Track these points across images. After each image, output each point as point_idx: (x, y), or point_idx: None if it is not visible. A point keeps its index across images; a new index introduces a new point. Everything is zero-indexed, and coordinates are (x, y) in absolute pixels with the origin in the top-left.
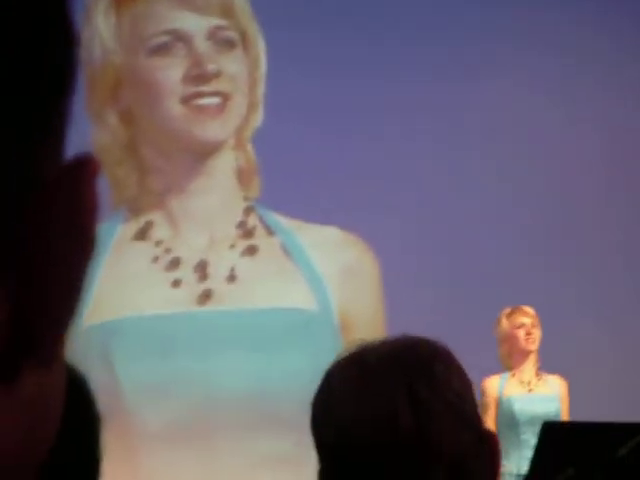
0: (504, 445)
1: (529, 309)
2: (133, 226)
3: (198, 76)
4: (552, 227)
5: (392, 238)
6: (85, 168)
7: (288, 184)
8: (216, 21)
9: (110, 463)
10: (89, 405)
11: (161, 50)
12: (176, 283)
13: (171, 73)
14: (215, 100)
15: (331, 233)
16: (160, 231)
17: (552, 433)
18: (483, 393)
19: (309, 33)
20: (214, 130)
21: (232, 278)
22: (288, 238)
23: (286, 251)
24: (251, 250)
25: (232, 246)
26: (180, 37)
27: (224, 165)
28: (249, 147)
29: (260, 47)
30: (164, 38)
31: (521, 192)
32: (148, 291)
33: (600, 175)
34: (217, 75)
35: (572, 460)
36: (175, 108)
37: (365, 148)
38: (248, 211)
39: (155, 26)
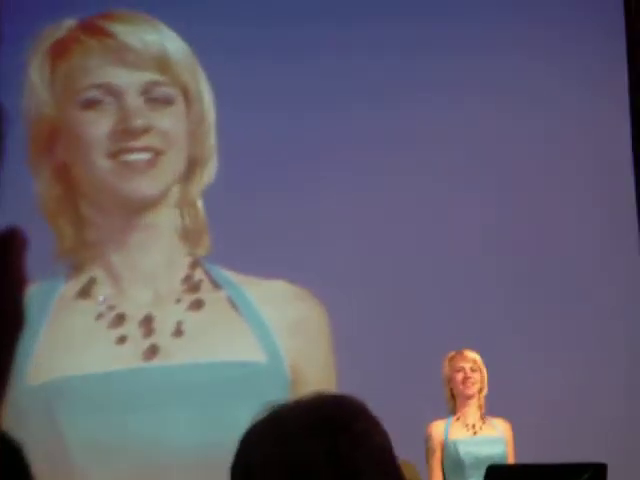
0: None
1: (470, 353)
2: (75, 284)
3: (125, 131)
4: (504, 272)
5: (343, 293)
6: (12, 241)
7: (238, 239)
8: (150, 76)
9: None
10: (24, 472)
11: (91, 104)
12: (121, 340)
13: (99, 127)
14: (144, 156)
15: (280, 287)
16: (103, 288)
17: (497, 476)
18: (429, 438)
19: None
20: (143, 186)
21: (178, 333)
22: (235, 292)
23: (233, 305)
24: (197, 304)
25: (178, 300)
26: (111, 91)
27: (165, 220)
28: (198, 204)
29: (205, 101)
30: (94, 92)
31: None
32: (93, 349)
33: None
34: (146, 130)
35: None
36: (102, 163)
37: (322, 198)
38: (194, 265)
39: (87, 79)
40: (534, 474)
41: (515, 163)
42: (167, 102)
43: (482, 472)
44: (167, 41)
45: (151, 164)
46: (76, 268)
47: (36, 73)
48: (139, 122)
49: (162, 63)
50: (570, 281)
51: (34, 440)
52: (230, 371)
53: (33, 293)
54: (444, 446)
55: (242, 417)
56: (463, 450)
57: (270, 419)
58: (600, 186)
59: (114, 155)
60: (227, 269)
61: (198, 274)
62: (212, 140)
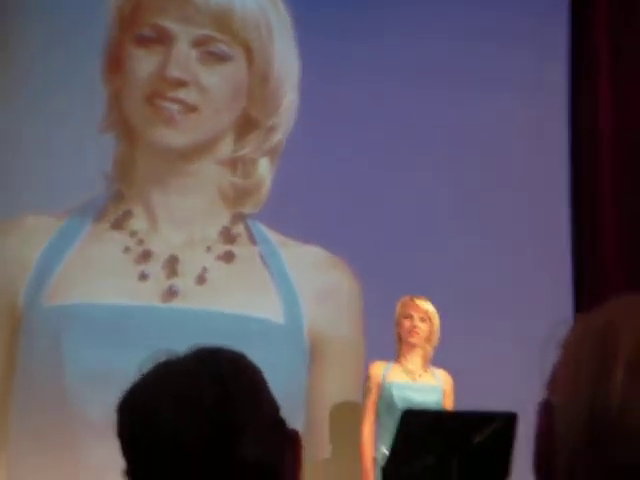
0: (381, 429)
1: (423, 304)
2: (111, 214)
3: (162, 78)
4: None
5: (380, 264)
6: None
7: (290, 202)
8: (207, 31)
9: (51, 447)
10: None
11: (144, 42)
12: (143, 276)
13: (143, 68)
14: (174, 107)
15: (315, 253)
16: (137, 223)
17: (411, 420)
18: (367, 377)
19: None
20: (167, 136)
21: (202, 279)
22: (270, 250)
23: (265, 262)
24: (228, 256)
25: (208, 248)
26: (164, 35)
27: (210, 172)
28: (258, 163)
29: (276, 61)
30: (150, 31)
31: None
32: (113, 280)
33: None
34: (182, 84)
35: (430, 447)
36: (137, 105)
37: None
38: (235, 219)
39: (148, 17)
40: (447, 420)
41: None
42: (222, 59)
43: None
44: None
45: (181, 117)
46: (114, 200)
47: None
48: (176, 74)
49: (222, 20)
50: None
51: (37, 359)
52: (244, 324)
53: (67, 220)
54: (381, 387)
55: None
56: (397, 393)
57: (158, 364)
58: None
59: (149, 99)
60: (270, 229)
61: (237, 228)
62: (282, 101)
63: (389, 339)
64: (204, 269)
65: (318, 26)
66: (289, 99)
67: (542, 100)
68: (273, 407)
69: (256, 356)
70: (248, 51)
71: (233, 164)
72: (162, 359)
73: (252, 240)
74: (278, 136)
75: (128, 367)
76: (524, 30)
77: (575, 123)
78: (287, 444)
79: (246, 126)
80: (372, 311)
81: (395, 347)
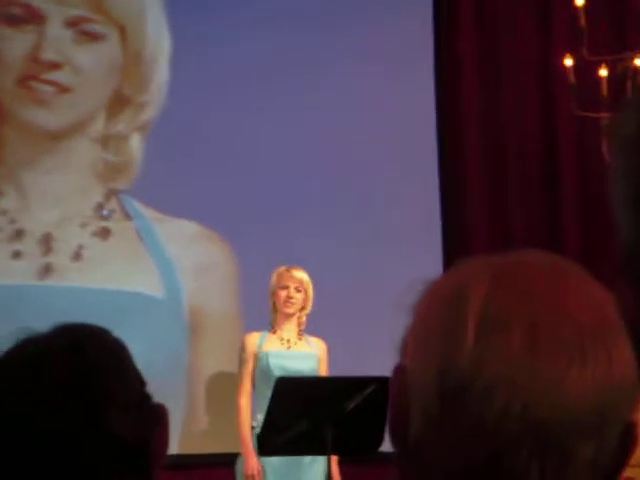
0: (259, 398)
1: (297, 273)
2: None
3: (36, 60)
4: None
5: (253, 236)
6: None
7: (160, 177)
8: (80, 11)
9: None
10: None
11: (12, 21)
12: (17, 255)
13: (14, 49)
14: (47, 88)
15: (190, 227)
16: (8, 202)
17: (285, 387)
18: (242, 348)
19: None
20: (40, 118)
21: (77, 256)
22: (145, 225)
23: (140, 237)
24: (103, 232)
25: (83, 225)
26: (34, 14)
27: (82, 150)
28: (129, 139)
29: (145, 42)
30: (17, 10)
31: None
32: None
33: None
34: (56, 65)
35: (305, 414)
36: (9, 86)
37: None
38: (108, 195)
39: None
40: (322, 387)
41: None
42: (95, 38)
43: None
44: None
45: (54, 98)
46: None
47: None
48: (50, 56)
49: (95, 0)
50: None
51: None
52: (123, 299)
53: None
54: (257, 357)
55: (130, 346)
56: (273, 362)
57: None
58: None
59: (22, 81)
60: (143, 204)
61: (111, 204)
62: (154, 77)
63: (265, 310)
64: (79, 246)
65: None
66: (161, 76)
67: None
68: (138, 381)
69: (136, 331)
70: (122, 31)
71: (105, 141)
72: (22, 336)
73: (127, 216)
74: (150, 113)
75: (2, 346)
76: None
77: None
78: (154, 419)
79: (118, 104)
80: (247, 283)
81: (270, 317)
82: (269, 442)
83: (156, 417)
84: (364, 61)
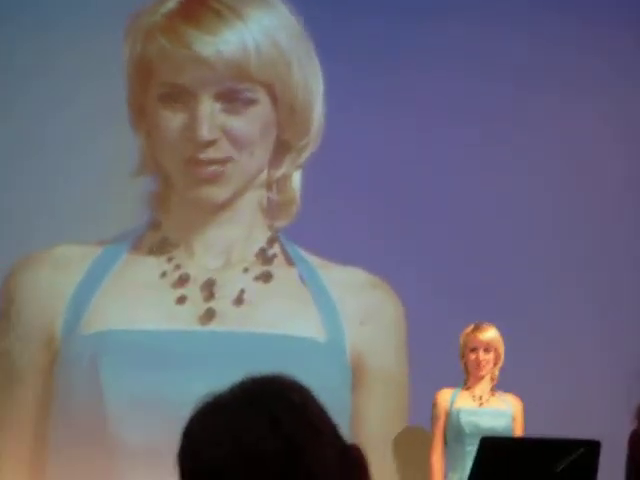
0: (450, 457)
1: (485, 334)
2: (148, 242)
3: (193, 140)
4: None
5: (423, 285)
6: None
7: (323, 220)
8: (227, 84)
9: (91, 475)
10: None
11: (166, 100)
12: (181, 300)
13: (171, 129)
14: (211, 168)
15: (355, 273)
16: (174, 249)
17: (490, 448)
18: (434, 405)
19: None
20: (212, 194)
21: (240, 301)
22: (308, 270)
23: (303, 282)
24: (266, 276)
25: (246, 269)
26: (186, 94)
27: (249, 201)
28: (292, 178)
29: (296, 93)
30: (171, 90)
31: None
32: (150, 305)
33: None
34: (213, 142)
35: (510, 475)
36: (171, 164)
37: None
38: (272, 241)
39: (164, 76)
40: (528, 448)
41: None
42: (246, 104)
43: None
44: (249, 39)
45: (220, 174)
46: (151, 229)
47: (129, 47)
48: (206, 136)
49: (239, 69)
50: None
51: (76, 388)
52: (285, 344)
53: (103, 249)
54: (448, 414)
55: None
56: (465, 419)
57: (209, 401)
58: None
59: (184, 161)
60: (305, 249)
61: (273, 249)
62: (311, 121)
63: (434, 362)
64: (242, 291)
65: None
66: (317, 116)
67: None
68: (336, 436)
69: (298, 376)
70: (270, 89)
71: (269, 183)
72: (212, 400)
73: (289, 261)
74: (309, 151)
75: (167, 391)
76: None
77: None
78: (356, 470)
79: (280, 151)
80: (415, 333)
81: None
82: None
83: (358, 466)
84: None
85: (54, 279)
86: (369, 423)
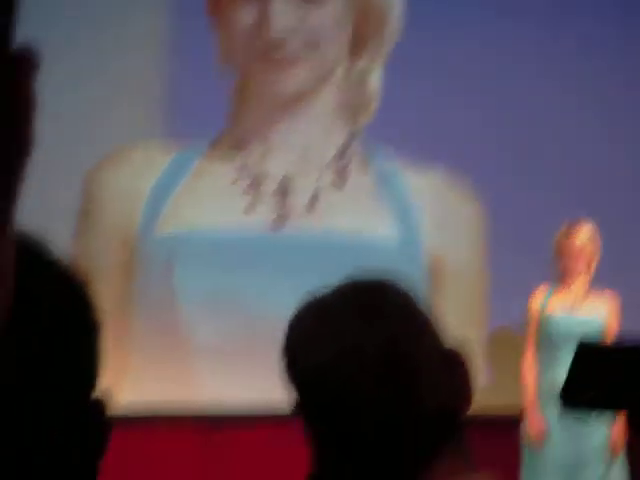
0: (540, 361)
1: (579, 236)
2: (225, 140)
3: (264, 39)
4: None
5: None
6: (22, 64)
7: (405, 121)
8: None
9: (161, 370)
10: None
11: None
12: (254, 201)
13: (241, 24)
14: (286, 58)
15: (433, 176)
16: (251, 147)
17: (586, 353)
18: (528, 308)
19: None
20: (282, 86)
21: (313, 204)
22: (384, 173)
23: (380, 184)
24: (341, 179)
25: (321, 173)
26: None
27: (325, 96)
28: (370, 76)
29: None
30: None
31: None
32: (224, 208)
33: None
34: (285, 41)
35: (608, 383)
36: (243, 57)
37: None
38: (348, 142)
39: None
40: (626, 355)
41: None
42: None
43: (572, 347)
44: None
45: (294, 64)
46: (228, 125)
47: None
48: (279, 34)
49: None
50: None
51: (152, 288)
52: (359, 247)
53: (176, 155)
54: (539, 319)
55: None
56: (555, 325)
57: (313, 302)
58: None
59: (255, 56)
60: (385, 149)
61: (351, 150)
62: (390, 11)
63: (510, 264)
64: (316, 194)
65: None
66: (395, 10)
67: None
68: (439, 340)
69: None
70: None
71: (347, 84)
72: (314, 301)
73: (365, 163)
74: (388, 46)
75: (240, 293)
76: None
77: None
78: (459, 372)
79: (357, 44)
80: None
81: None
82: (570, 401)
83: (459, 367)
84: None
85: (132, 181)
86: (447, 326)
